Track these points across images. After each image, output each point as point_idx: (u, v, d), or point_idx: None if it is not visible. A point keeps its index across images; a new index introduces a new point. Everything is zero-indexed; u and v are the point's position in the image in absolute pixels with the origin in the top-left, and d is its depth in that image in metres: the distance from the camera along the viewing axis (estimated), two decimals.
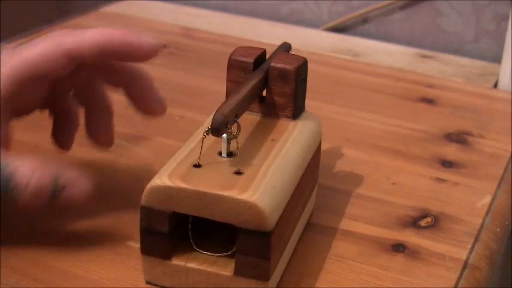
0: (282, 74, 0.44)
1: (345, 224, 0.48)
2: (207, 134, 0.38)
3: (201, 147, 0.40)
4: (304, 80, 0.46)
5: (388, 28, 0.86)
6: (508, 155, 0.58)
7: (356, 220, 0.48)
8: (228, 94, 0.44)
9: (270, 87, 0.44)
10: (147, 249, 0.39)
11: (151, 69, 0.71)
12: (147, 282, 0.40)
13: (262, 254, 0.37)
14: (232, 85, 0.44)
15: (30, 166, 0.38)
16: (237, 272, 0.38)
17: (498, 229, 0.49)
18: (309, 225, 0.47)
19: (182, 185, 0.37)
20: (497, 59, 0.79)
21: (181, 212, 0.38)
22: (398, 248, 0.46)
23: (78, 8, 0.90)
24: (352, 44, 0.82)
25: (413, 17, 0.85)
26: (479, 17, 0.81)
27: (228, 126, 0.38)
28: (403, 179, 0.54)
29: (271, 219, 0.37)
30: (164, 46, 0.78)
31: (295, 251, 0.44)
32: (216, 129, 0.37)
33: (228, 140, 0.40)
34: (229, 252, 0.39)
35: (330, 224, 0.48)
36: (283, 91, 0.44)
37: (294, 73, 0.44)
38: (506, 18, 0.79)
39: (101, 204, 0.46)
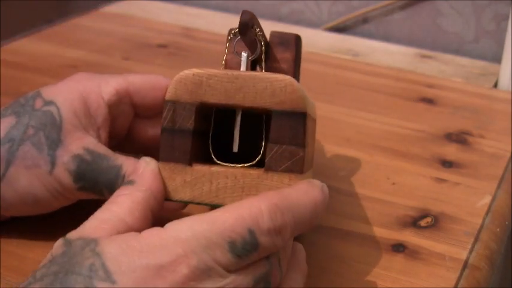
0: (283, 40, 0.44)
1: (345, 224, 0.48)
2: (233, 35, 0.38)
3: (226, 50, 0.39)
4: (299, 58, 0.45)
5: (388, 28, 0.86)
6: (508, 155, 0.58)
7: (356, 220, 0.48)
8: (227, 66, 0.43)
9: (271, 54, 0.44)
10: (167, 154, 0.37)
11: (152, 70, 0.72)
12: (165, 199, 0.37)
13: (297, 140, 0.35)
14: (232, 56, 0.43)
15: (134, 162, 0.42)
16: (269, 167, 0.36)
17: (498, 229, 0.49)
18: None
19: (213, 70, 0.36)
20: (497, 59, 0.79)
21: (210, 102, 0.36)
22: (398, 248, 0.46)
23: (78, 8, 0.90)
24: (352, 44, 0.82)
25: (413, 17, 0.85)
26: (479, 17, 0.81)
27: (254, 27, 0.38)
28: (403, 179, 0.54)
29: (306, 100, 0.35)
30: (164, 46, 0.78)
31: None
32: (244, 24, 0.36)
33: (247, 60, 0.39)
34: (254, 162, 0.37)
35: (330, 224, 0.48)
36: (284, 57, 0.44)
37: (294, 39, 0.44)
38: (506, 18, 0.79)
39: (101, 205, 0.46)
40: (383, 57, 0.79)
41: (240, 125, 0.38)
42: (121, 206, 0.35)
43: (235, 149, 0.38)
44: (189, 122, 0.36)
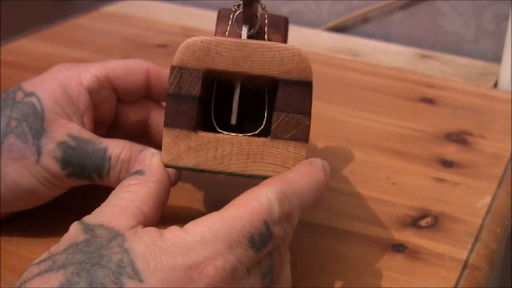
0: (273, 21, 0.44)
1: (345, 224, 0.48)
2: (237, 6, 0.38)
3: (230, 22, 0.39)
4: (287, 40, 0.45)
5: (388, 28, 0.86)
6: (508, 155, 0.58)
7: (356, 220, 0.48)
8: None
9: (261, 35, 0.44)
10: (172, 120, 0.36)
11: None
12: (166, 166, 0.37)
13: (304, 109, 0.36)
14: (222, 35, 0.42)
15: (119, 143, 0.42)
16: (275, 134, 0.36)
17: (498, 229, 0.49)
18: (309, 225, 0.47)
19: (221, 38, 0.36)
20: (497, 59, 0.79)
21: (217, 69, 0.36)
22: (399, 248, 0.46)
23: (78, 8, 0.90)
24: (352, 44, 0.82)
25: (413, 17, 0.85)
26: (479, 17, 0.81)
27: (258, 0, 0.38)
28: (403, 179, 0.54)
29: (312, 70, 0.36)
30: (164, 46, 0.78)
31: (295, 251, 0.44)
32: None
33: (248, 34, 0.39)
34: (256, 131, 0.37)
35: (330, 224, 0.48)
36: (274, 38, 0.44)
37: (284, 21, 0.44)
38: (506, 18, 0.79)
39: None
40: (383, 57, 0.79)
41: (239, 99, 0.38)
42: (135, 195, 0.35)
43: (234, 121, 0.38)
44: (195, 88, 0.36)
